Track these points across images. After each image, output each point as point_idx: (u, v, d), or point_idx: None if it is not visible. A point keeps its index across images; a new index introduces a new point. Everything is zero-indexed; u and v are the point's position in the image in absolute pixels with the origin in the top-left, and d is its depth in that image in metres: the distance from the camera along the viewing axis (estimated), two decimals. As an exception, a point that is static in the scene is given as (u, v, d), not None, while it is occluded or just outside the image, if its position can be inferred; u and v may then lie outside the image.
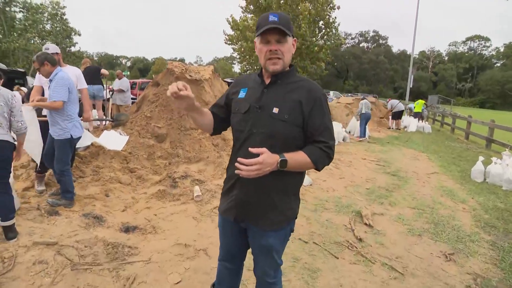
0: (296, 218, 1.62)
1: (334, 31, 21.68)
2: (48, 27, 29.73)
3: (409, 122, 14.33)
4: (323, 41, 21.43)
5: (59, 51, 4.08)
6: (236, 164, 1.31)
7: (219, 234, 1.74)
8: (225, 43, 22.13)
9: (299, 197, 1.62)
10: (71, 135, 3.35)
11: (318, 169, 1.47)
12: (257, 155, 1.30)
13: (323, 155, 1.43)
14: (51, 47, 4.07)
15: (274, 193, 1.47)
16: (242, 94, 1.54)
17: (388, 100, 15.15)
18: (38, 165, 3.74)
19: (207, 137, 5.58)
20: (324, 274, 2.65)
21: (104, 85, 8.04)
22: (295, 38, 1.47)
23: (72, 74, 3.83)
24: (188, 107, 1.43)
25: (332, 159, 1.49)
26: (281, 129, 1.40)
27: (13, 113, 2.72)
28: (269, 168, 1.32)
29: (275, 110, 1.41)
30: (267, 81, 1.49)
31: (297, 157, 1.39)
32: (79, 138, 3.53)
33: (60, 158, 3.37)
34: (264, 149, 1.31)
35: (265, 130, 1.41)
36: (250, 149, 1.32)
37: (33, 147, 3.40)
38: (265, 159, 1.29)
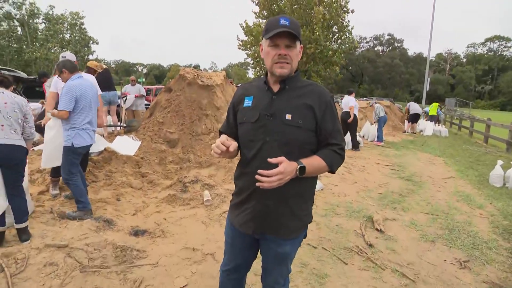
0: (311, 222, 1.60)
1: (347, 35, 21.58)
2: (67, 36, 30.77)
3: (425, 126, 13.99)
4: (337, 45, 21.35)
5: (75, 58, 4.22)
6: (257, 176, 1.29)
7: (225, 243, 1.71)
8: (239, 48, 22.36)
9: (313, 200, 1.60)
10: (72, 143, 3.29)
11: (333, 171, 1.47)
12: (276, 165, 1.29)
13: (337, 157, 1.45)
14: (67, 55, 4.21)
15: (292, 199, 1.46)
16: (248, 103, 1.49)
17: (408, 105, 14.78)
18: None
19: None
20: (332, 280, 2.60)
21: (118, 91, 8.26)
22: (301, 45, 1.46)
23: None
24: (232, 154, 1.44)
25: (344, 159, 1.50)
26: (296, 135, 1.39)
27: (27, 119, 2.83)
28: (289, 177, 1.31)
29: (288, 116, 1.38)
30: (274, 87, 1.46)
31: (314, 162, 1.39)
32: (83, 147, 3.40)
33: (63, 166, 3.34)
34: (282, 158, 1.30)
35: (280, 137, 1.39)
36: (269, 160, 1.30)
37: (55, 151, 3.47)
38: (286, 168, 1.28)
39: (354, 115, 8.55)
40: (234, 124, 1.58)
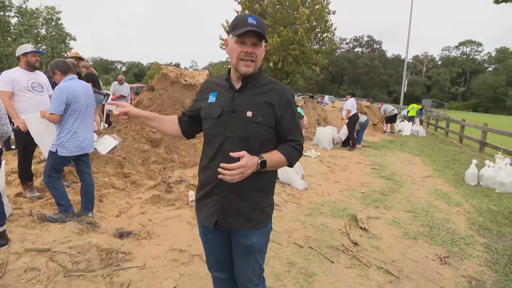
0: (272, 213, 1.64)
1: (330, 36, 21.88)
2: (43, 32, 29.62)
3: (403, 126, 14.42)
4: (318, 46, 21.62)
5: (31, 49, 3.70)
6: (219, 169, 1.34)
7: (202, 244, 1.70)
8: (221, 47, 22.29)
9: (274, 192, 1.65)
10: (56, 150, 3.10)
11: (291, 165, 1.55)
12: (238, 159, 1.33)
13: (295, 152, 1.52)
14: (25, 47, 3.76)
15: (253, 193, 1.50)
16: (212, 99, 1.53)
17: (380, 105, 15.32)
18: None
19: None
20: (319, 278, 2.64)
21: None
22: (266, 44, 1.50)
23: None
24: (132, 117, 1.61)
25: (302, 155, 1.59)
26: (256, 131, 1.44)
27: None
28: (251, 170, 1.36)
29: (249, 113, 1.43)
30: (237, 84, 1.50)
31: (274, 157, 1.45)
32: (65, 158, 3.15)
33: (45, 168, 3.17)
34: (244, 152, 1.34)
35: (240, 133, 1.44)
36: (231, 154, 1.34)
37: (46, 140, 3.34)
38: (247, 162, 1.33)
39: (355, 114, 9.04)
40: (192, 111, 1.65)
